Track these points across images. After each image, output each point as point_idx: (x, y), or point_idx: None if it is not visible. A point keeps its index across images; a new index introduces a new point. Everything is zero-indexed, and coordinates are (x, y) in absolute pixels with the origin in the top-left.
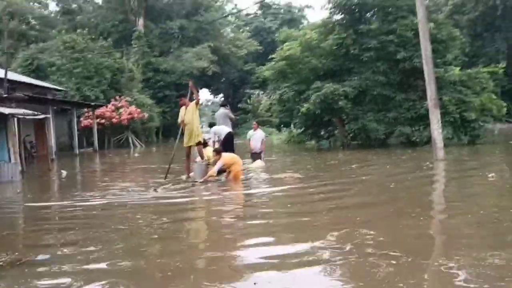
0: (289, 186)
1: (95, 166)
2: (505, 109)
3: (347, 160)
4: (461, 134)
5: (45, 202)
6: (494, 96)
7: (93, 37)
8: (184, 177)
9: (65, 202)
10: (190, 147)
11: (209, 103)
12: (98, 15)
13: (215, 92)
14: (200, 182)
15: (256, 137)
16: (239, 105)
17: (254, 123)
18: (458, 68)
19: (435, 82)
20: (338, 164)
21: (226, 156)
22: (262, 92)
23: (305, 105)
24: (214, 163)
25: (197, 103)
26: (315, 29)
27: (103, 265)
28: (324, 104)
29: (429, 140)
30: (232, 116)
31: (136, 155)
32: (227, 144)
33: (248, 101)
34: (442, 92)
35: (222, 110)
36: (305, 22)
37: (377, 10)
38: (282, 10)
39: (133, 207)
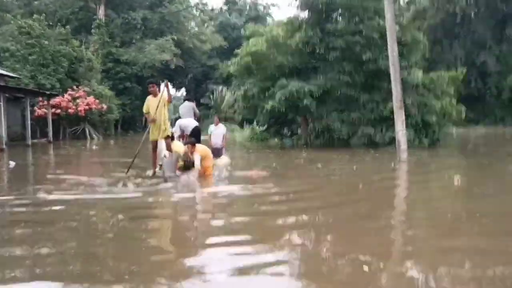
0: (256, 185)
1: (48, 158)
2: (464, 113)
3: (312, 159)
4: (422, 137)
5: None
6: (454, 101)
7: (50, 23)
8: (150, 172)
9: (10, 197)
10: (157, 141)
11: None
12: (56, 1)
13: (177, 86)
14: (187, 179)
15: (217, 132)
16: (202, 101)
17: (216, 117)
18: (421, 71)
19: (401, 84)
20: (304, 163)
21: (201, 149)
22: (226, 87)
23: (270, 102)
24: (186, 156)
25: (169, 101)
26: (282, 26)
27: (53, 268)
28: (289, 102)
29: (391, 141)
30: (197, 110)
31: (94, 147)
32: (194, 138)
33: (211, 96)
34: (405, 95)
35: (187, 103)
36: (270, 20)
37: (344, 10)
38: (248, 7)
39: (90, 204)
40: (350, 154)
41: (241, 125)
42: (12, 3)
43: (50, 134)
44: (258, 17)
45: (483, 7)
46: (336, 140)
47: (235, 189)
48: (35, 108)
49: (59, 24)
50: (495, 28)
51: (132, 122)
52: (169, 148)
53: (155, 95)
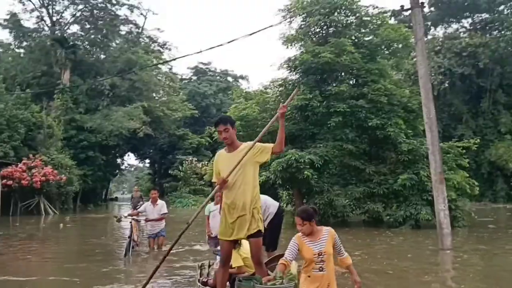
0: None
1: None
2: (477, 188)
3: None
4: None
5: None
6: (466, 174)
7: (9, 89)
8: None
9: None
10: (232, 242)
11: (133, 169)
12: (17, 65)
13: (141, 157)
14: None
15: (218, 213)
16: (170, 172)
17: (218, 195)
18: None
19: (440, 152)
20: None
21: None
22: (196, 158)
23: (264, 173)
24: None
25: (277, 151)
26: (274, 89)
27: None
28: (286, 173)
29: (404, 221)
30: None
31: (61, 226)
32: (275, 229)
33: (180, 167)
34: (419, 167)
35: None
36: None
37: (345, 72)
38: (218, 77)
39: None
40: (368, 236)
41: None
42: None
43: None
44: (228, 88)
45: (458, 80)
46: (331, 218)
47: None
48: None
49: (18, 87)
50: (470, 101)
51: (93, 195)
52: (256, 259)
53: (233, 146)
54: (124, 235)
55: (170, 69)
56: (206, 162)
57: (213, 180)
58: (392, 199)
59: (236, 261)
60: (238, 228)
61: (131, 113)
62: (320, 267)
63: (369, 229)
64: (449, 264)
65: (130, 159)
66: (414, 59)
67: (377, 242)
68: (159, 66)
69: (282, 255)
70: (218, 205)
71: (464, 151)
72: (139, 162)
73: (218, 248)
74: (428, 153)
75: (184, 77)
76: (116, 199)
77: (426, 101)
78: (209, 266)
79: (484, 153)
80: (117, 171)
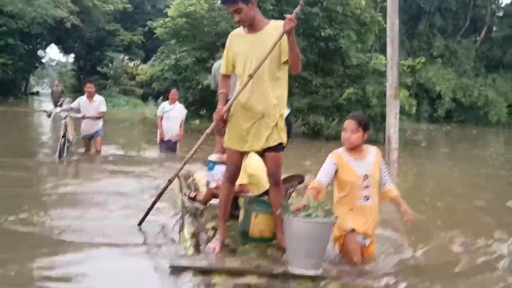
0: None
1: None
2: (415, 107)
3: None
4: (378, 133)
5: None
6: (407, 93)
7: None
8: (213, 244)
9: None
10: (242, 154)
11: (54, 63)
12: None
13: (65, 51)
14: None
15: (172, 114)
16: (98, 69)
17: (173, 91)
18: (383, 57)
19: (398, 66)
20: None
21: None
22: (127, 57)
23: (209, 76)
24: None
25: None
26: None
27: None
28: None
29: (338, 135)
30: None
31: None
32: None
33: (110, 65)
34: (365, 82)
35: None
36: None
37: None
38: None
39: None
40: (312, 147)
41: (144, 100)
42: None
43: None
44: None
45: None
46: None
47: None
48: None
49: None
50: (408, 23)
51: (13, 87)
52: (275, 179)
53: (254, 27)
54: (48, 132)
55: None
56: (138, 62)
57: (222, 72)
58: (335, 112)
59: (240, 177)
60: (254, 136)
61: None
62: (366, 196)
63: (310, 141)
64: (402, 175)
65: (53, 50)
66: None
67: (323, 153)
68: None
69: (299, 176)
70: (174, 105)
71: (408, 69)
72: (63, 56)
73: (211, 158)
74: (387, 67)
75: None
76: (37, 93)
77: (391, 12)
78: (189, 177)
79: (415, 75)
80: (38, 64)
